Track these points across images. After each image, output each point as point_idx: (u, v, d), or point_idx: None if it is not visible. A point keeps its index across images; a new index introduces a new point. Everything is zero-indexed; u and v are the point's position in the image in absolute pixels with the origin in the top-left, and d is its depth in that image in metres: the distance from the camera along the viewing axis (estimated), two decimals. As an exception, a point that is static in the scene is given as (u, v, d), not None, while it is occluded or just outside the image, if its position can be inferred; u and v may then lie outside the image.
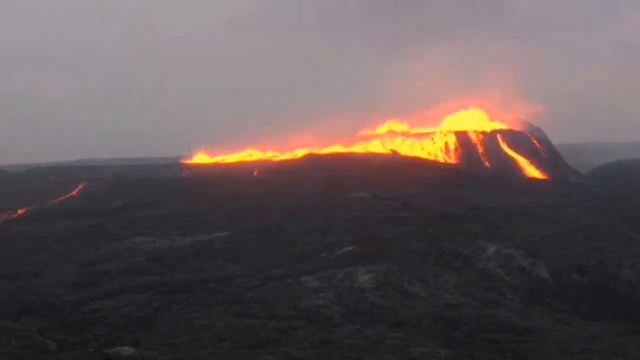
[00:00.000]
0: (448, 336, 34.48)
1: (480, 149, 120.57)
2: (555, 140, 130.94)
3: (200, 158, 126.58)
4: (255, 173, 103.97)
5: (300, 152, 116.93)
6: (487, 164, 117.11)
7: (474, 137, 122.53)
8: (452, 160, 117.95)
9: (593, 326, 36.18)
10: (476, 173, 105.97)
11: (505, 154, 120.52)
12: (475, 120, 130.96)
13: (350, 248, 50.62)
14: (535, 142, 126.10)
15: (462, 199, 72.82)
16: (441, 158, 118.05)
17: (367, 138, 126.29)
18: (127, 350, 29.76)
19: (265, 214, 66.49)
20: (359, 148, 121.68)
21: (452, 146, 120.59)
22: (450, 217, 59.91)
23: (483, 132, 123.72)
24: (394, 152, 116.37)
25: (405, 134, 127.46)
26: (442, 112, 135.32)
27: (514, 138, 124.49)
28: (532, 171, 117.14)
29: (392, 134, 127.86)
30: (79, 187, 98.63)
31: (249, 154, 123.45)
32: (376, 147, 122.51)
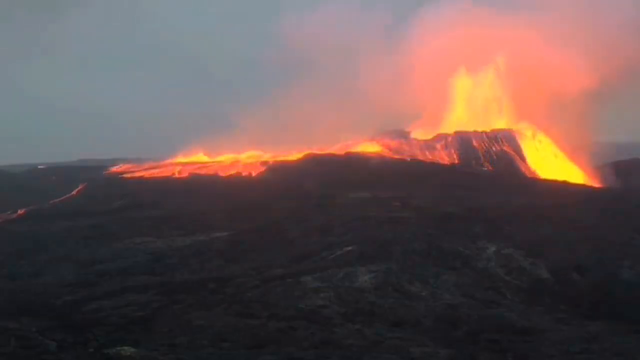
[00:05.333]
0: (448, 336, 34.53)
1: (480, 149, 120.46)
2: (556, 139, 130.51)
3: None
4: (254, 173, 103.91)
5: (300, 152, 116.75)
6: (487, 164, 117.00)
7: (474, 137, 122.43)
8: (452, 160, 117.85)
9: (593, 326, 36.25)
10: (476, 173, 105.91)
11: (506, 154, 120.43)
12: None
13: (350, 248, 50.59)
14: (536, 141, 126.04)
15: (462, 199, 72.71)
16: (441, 158, 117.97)
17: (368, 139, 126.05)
18: (127, 350, 29.82)
19: (265, 214, 66.45)
20: (359, 148, 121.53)
21: (451, 146, 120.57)
22: (450, 217, 59.88)
23: (483, 132, 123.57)
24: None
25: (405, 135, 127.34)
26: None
27: (514, 138, 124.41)
28: (532, 171, 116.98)
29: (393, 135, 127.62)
30: (79, 187, 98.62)
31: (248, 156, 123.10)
32: (376, 147, 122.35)
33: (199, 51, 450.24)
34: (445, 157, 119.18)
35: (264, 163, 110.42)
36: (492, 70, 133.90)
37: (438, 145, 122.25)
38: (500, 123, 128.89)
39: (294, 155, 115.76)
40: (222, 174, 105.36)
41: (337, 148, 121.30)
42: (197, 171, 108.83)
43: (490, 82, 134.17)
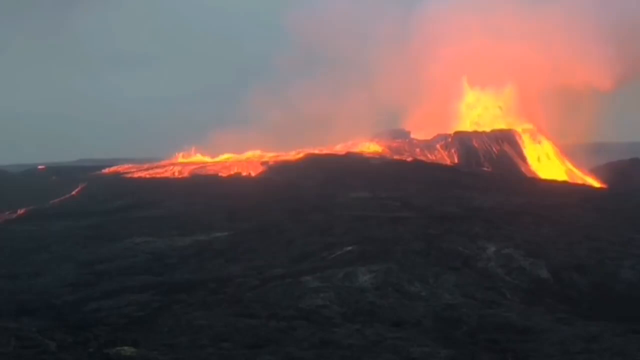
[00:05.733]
0: (448, 336, 34.51)
1: (480, 149, 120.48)
2: (556, 139, 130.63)
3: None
4: (254, 173, 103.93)
5: (300, 152, 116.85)
6: (487, 164, 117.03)
7: (474, 137, 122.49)
8: (452, 160, 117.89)
9: (593, 326, 36.18)
10: (476, 173, 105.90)
11: (506, 154, 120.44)
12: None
13: (350, 248, 50.63)
14: (535, 141, 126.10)
15: (462, 199, 72.78)
16: (441, 158, 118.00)
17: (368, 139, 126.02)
18: (127, 350, 29.87)
19: (265, 214, 66.48)
20: (359, 148, 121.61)
21: (452, 146, 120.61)
22: (450, 217, 59.92)
23: (483, 132, 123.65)
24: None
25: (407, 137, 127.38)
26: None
27: (514, 138, 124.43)
28: (532, 171, 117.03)
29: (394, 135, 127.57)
30: (79, 187, 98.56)
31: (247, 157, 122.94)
32: (376, 147, 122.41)
33: (199, 51, 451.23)
34: (445, 157, 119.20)
35: (264, 163, 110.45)
36: (500, 96, 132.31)
37: (438, 145, 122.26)
38: (501, 123, 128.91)
39: (294, 155, 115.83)
40: (222, 174, 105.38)
41: (337, 148, 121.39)
42: (197, 171, 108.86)
43: (497, 105, 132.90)
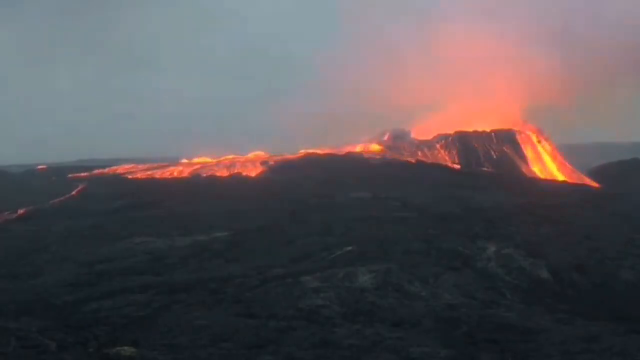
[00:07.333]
0: (448, 336, 34.49)
1: (480, 149, 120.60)
2: (556, 139, 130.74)
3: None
4: (254, 173, 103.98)
5: (300, 152, 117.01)
6: (487, 164, 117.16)
7: (474, 137, 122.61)
8: (452, 160, 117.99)
9: (593, 326, 36.18)
10: (476, 173, 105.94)
11: (505, 154, 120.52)
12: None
13: (350, 248, 50.61)
14: (535, 141, 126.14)
15: (462, 199, 72.78)
16: (441, 158, 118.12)
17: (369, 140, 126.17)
18: (127, 350, 29.85)
19: (265, 214, 66.47)
20: (359, 148, 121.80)
21: (452, 146, 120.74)
22: (450, 217, 59.94)
23: (483, 132, 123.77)
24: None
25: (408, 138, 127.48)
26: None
27: (514, 138, 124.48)
28: (532, 171, 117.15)
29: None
30: (79, 187, 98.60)
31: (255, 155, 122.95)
32: (376, 147, 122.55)
33: (198, 51, 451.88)
34: (445, 157, 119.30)
35: (264, 163, 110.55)
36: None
37: (438, 145, 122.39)
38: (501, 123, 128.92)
39: (294, 155, 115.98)
40: (222, 174, 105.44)
41: (337, 148, 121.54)
42: (197, 171, 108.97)
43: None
